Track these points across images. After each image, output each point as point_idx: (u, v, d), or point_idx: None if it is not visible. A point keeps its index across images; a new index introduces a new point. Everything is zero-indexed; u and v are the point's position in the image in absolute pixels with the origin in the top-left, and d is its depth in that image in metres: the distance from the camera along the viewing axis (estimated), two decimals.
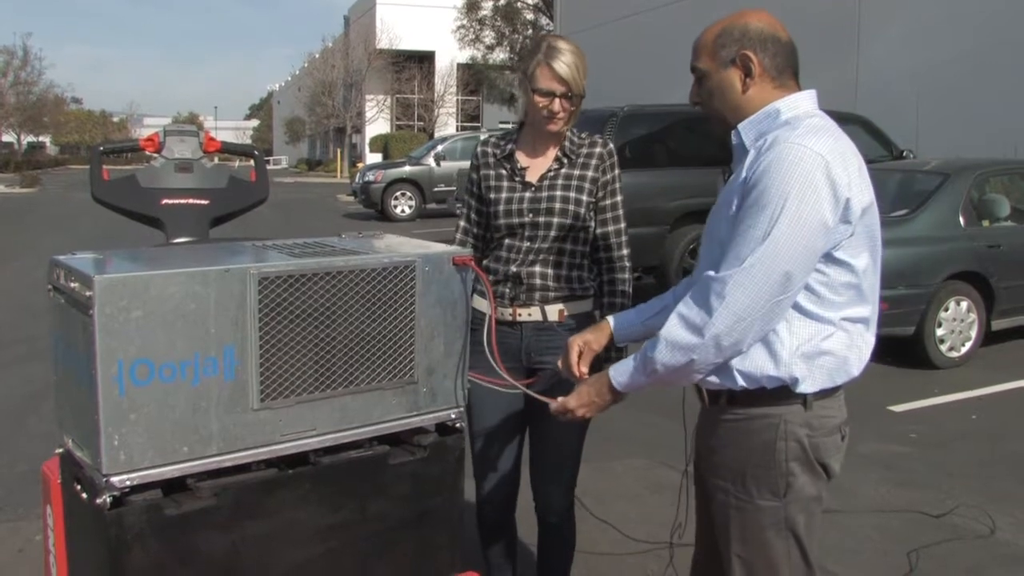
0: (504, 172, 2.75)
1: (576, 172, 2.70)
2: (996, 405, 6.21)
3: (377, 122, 43.48)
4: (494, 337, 2.19)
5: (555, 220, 2.67)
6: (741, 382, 1.98)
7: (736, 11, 2.06)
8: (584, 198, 2.69)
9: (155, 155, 2.89)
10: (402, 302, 2.04)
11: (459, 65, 40.94)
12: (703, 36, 2.06)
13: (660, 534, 3.98)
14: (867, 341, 2.02)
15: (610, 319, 2.32)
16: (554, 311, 2.68)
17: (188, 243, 2.74)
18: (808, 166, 1.83)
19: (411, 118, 44.87)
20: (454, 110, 44.08)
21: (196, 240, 2.77)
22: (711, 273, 1.90)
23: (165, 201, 2.85)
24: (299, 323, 1.88)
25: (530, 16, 34.42)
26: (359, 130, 43.14)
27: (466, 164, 14.28)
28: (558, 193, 2.68)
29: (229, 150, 3.28)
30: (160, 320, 1.70)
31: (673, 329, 1.92)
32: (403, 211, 20.29)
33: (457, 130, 39.12)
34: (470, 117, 45.38)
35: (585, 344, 2.25)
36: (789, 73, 2.03)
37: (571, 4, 26.10)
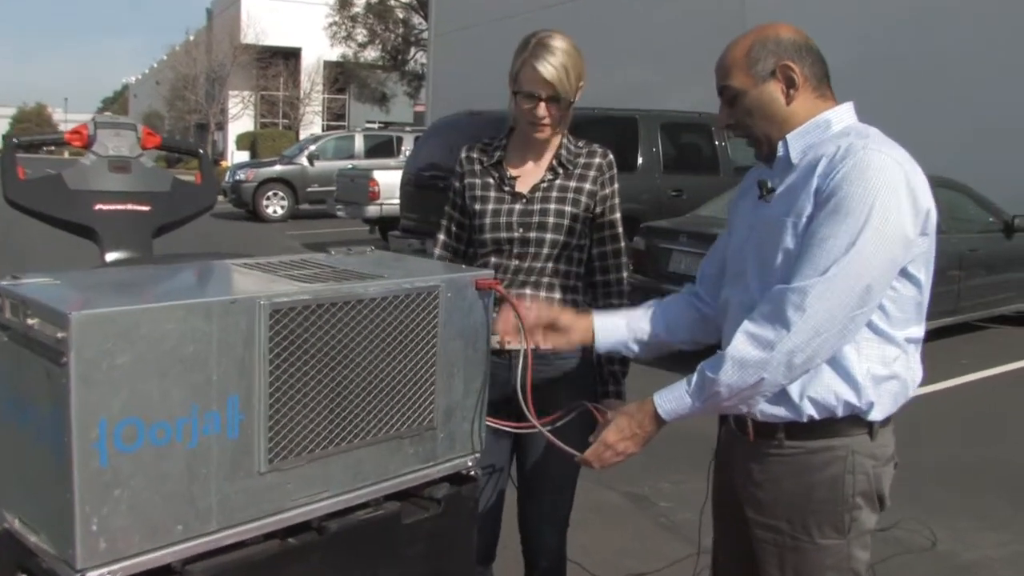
0: (492, 181, 2.45)
1: (572, 184, 2.42)
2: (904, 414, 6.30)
3: (241, 119, 41.98)
4: (529, 375, 1.88)
5: (548, 236, 2.38)
6: (809, 411, 1.83)
7: (759, 25, 1.93)
8: (581, 213, 2.42)
9: (84, 151, 2.43)
10: (423, 334, 1.72)
11: (326, 63, 40.06)
12: (731, 53, 1.91)
13: (619, 563, 3.80)
14: (919, 362, 1.92)
15: (594, 316, 2.13)
16: None
17: (131, 259, 2.31)
18: (891, 175, 1.72)
19: (276, 116, 43.55)
20: (320, 109, 43.08)
21: (139, 256, 2.34)
22: (783, 285, 1.74)
23: (99, 206, 2.38)
24: (312, 364, 1.53)
25: (403, 14, 33.96)
26: (222, 127, 41.53)
27: (342, 164, 13.85)
28: (552, 206, 2.39)
29: (170, 147, 2.84)
30: (153, 367, 1.32)
31: (741, 346, 1.75)
32: (275, 211, 19.56)
33: (323, 129, 38.22)
34: (336, 116, 44.49)
35: (568, 328, 2.10)
36: (826, 83, 1.92)
37: (445, 3, 25.77)
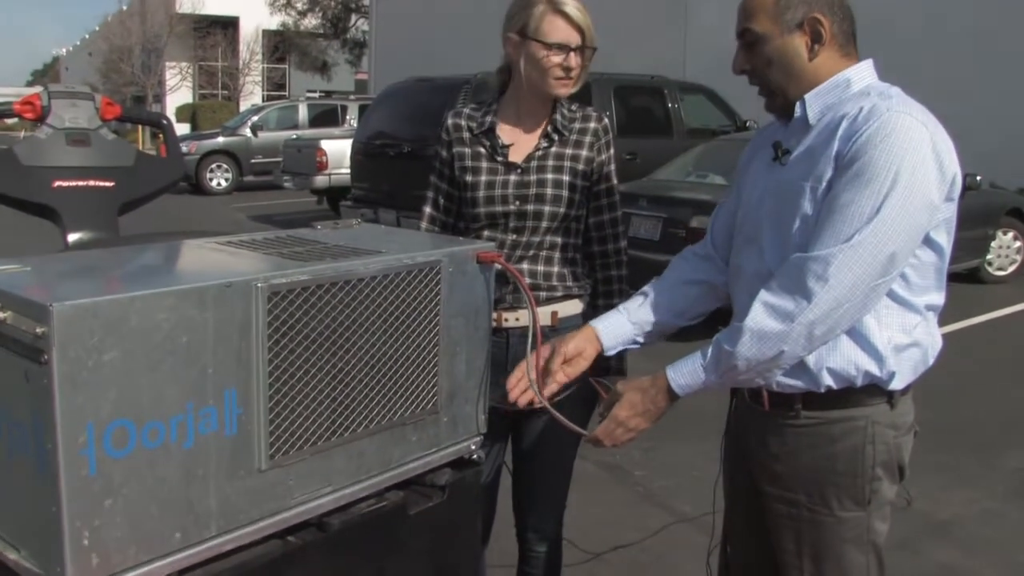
0: (483, 151, 2.29)
1: (568, 151, 2.28)
2: None
3: (180, 91, 40.92)
4: (539, 352, 1.78)
5: (546, 208, 2.24)
6: (827, 381, 1.75)
7: None
8: (579, 182, 2.28)
9: (37, 123, 2.24)
10: (425, 312, 1.60)
11: (265, 32, 39.18)
12: None
13: (599, 534, 3.74)
14: (937, 329, 1.86)
15: (593, 324, 2.00)
16: (546, 314, 2.26)
17: (97, 240, 2.13)
18: (917, 138, 1.63)
19: (215, 87, 42.53)
20: (260, 79, 42.18)
21: (105, 236, 2.16)
22: (803, 254, 1.66)
23: (58, 183, 2.19)
24: (313, 350, 1.41)
25: None
26: (160, 99, 40.45)
27: (286, 134, 13.45)
28: (549, 176, 2.25)
29: (131, 118, 2.64)
30: (144, 362, 1.19)
31: (759, 318, 1.66)
32: (219, 184, 19.11)
33: (263, 100, 37.45)
34: (277, 86, 43.61)
35: (578, 353, 1.93)
36: (853, 41, 1.82)
37: None
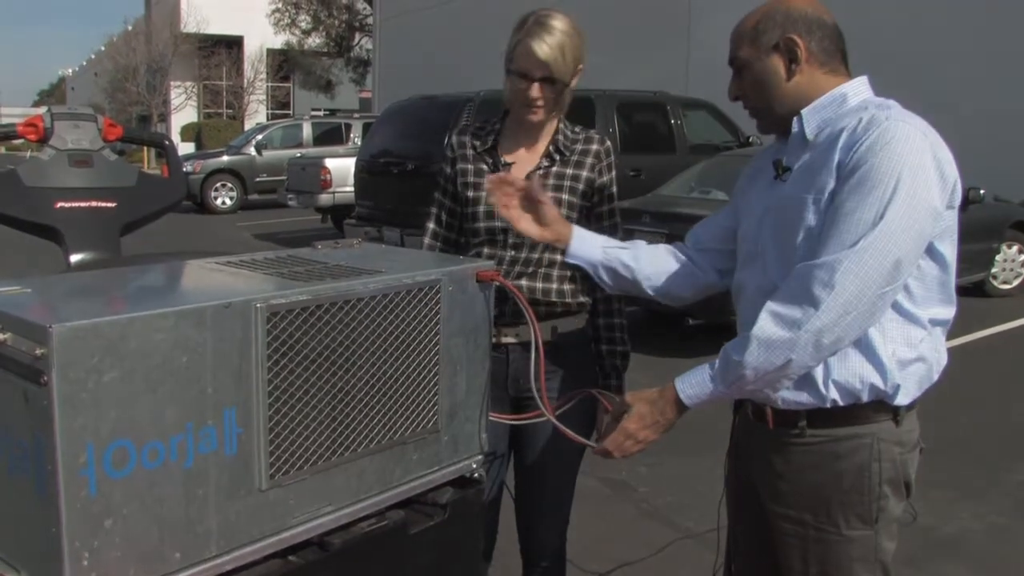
0: (485, 168, 2.32)
1: (569, 171, 2.31)
2: None
3: (185, 110, 41.16)
4: (542, 367, 1.79)
5: None
6: (834, 397, 1.75)
7: None
8: (578, 201, 2.31)
9: (40, 144, 2.26)
10: (425, 331, 1.61)
11: (269, 51, 39.46)
12: (742, 24, 1.86)
13: (603, 551, 3.73)
14: (944, 345, 1.85)
15: (574, 227, 2.12)
16: (546, 329, 2.27)
17: (99, 261, 2.15)
18: (916, 144, 1.65)
19: (220, 106, 42.78)
20: (265, 97, 42.42)
21: (107, 256, 2.18)
22: (808, 262, 1.67)
23: (61, 204, 2.21)
24: (312, 369, 1.41)
25: (346, 0, 33.52)
26: (165, 118, 40.69)
27: (290, 152, 13.46)
28: (549, 195, 2.25)
29: (133, 139, 2.66)
30: (143, 382, 1.19)
31: (766, 326, 1.66)
32: (224, 203, 19.18)
33: (268, 118, 37.66)
34: (281, 104, 43.88)
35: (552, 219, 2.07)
36: (839, 58, 1.84)
37: None
